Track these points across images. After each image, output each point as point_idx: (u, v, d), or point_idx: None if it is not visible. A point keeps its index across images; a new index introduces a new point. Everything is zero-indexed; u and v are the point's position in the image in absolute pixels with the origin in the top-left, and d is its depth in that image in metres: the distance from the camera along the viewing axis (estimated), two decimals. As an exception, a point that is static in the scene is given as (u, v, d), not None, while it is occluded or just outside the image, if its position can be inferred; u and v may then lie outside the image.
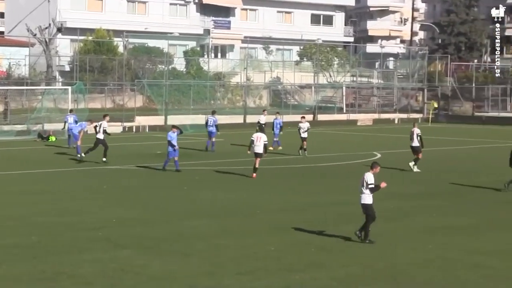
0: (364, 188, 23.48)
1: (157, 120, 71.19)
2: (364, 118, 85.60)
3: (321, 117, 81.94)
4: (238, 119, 76.70)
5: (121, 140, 56.66)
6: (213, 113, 53.90)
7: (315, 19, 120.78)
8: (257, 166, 38.02)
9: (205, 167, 42.88)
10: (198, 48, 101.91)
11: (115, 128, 64.12)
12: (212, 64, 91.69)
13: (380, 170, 24.28)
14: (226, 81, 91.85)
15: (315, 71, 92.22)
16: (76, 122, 50.82)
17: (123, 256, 22.19)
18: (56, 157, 47.55)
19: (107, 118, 45.48)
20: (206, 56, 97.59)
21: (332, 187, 36.35)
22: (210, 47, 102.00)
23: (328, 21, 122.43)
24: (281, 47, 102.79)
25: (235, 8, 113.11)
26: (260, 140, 38.02)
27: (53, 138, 57.68)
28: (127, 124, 68.36)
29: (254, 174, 37.91)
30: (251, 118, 76.41)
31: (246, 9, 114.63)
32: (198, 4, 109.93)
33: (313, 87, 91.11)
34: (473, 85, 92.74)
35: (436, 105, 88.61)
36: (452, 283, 19.83)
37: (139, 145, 56.29)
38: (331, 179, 39.22)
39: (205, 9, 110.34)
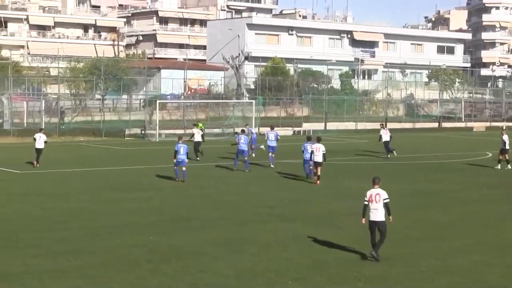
0: None
1: (319, 126, 70.70)
2: (478, 126, 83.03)
3: (445, 124, 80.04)
4: (380, 126, 75.81)
5: (293, 141, 56.28)
6: (272, 128, 40.12)
7: (440, 49, 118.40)
8: (319, 173, 31.78)
9: (352, 162, 42.37)
10: (350, 72, 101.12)
11: (286, 131, 64.47)
12: (361, 84, 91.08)
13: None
14: (371, 96, 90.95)
15: (440, 89, 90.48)
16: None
17: (293, 227, 22.01)
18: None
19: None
20: (356, 78, 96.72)
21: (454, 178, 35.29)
22: (359, 70, 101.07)
23: (451, 50, 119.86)
24: (413, 70, 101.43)
25: (379, 41, 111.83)
26: (319, 150, 31.73)
27: None
28: (296, 129, 68.31)
29: (318, 181, 31.61)
30: (390, 125, 75.29)
31: (387, 42, 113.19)
32: (350, 39, 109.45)
33: (438, 101, 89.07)
34: None
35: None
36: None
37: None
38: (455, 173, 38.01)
39: (356, 42, 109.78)
